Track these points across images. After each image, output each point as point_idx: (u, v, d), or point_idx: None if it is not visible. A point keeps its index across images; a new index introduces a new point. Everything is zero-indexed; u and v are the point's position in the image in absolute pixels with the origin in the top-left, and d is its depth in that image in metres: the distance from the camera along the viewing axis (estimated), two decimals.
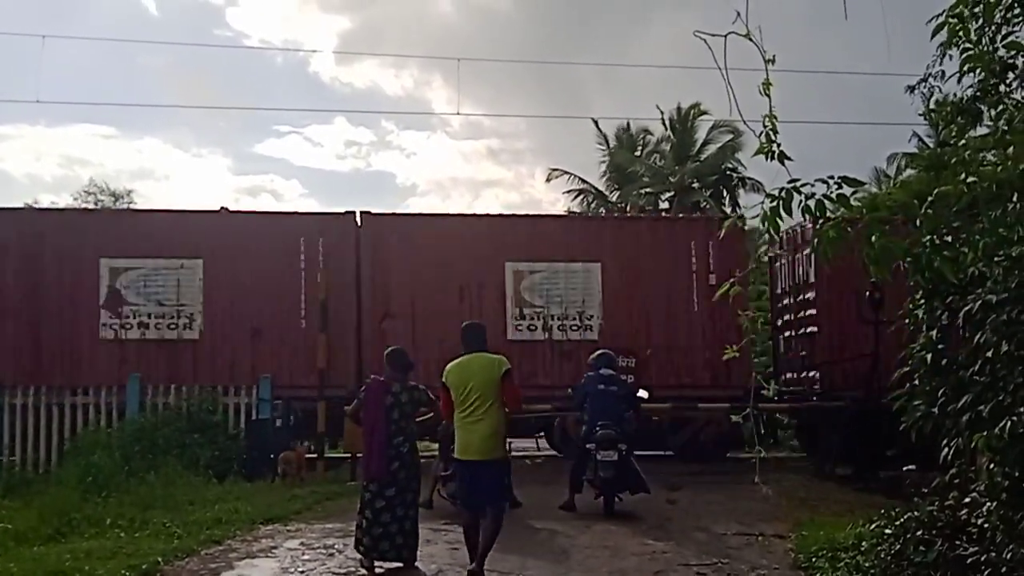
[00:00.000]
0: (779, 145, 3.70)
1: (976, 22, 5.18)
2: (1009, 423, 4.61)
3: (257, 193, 63.19)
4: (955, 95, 5.96)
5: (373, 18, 68.80)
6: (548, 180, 32.45)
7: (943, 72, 5.69)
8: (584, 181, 31.49)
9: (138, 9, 65.71)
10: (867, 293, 13.25)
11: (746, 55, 3.63)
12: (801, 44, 51.34)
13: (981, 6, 5.07)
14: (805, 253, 14.60)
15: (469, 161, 64.77)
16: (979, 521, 5.40)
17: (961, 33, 5.18)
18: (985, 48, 5.21)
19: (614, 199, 31.23)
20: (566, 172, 31.60)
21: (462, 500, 7.06)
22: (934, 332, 5.74)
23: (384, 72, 65.12)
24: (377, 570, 7.06)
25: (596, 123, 31.38)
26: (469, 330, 7.07)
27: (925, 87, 5.95)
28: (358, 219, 14.88)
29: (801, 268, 15.15)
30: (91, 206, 29.82)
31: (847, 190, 3.67)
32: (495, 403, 6.66)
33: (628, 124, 31.61)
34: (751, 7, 3.48)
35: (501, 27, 65.36)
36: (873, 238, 3.75)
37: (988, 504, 5.27)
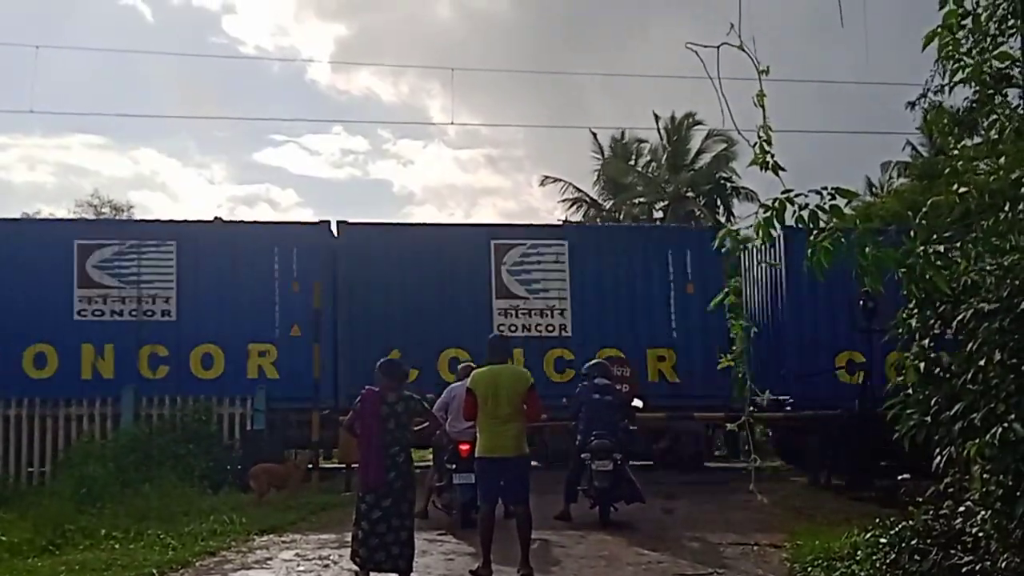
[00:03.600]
0: (773, 156, 3.73)
1: (970, 38, 5.21)
2: (1001, 430, 4.63)
3: (254, 202, 63.15)
4: (952, 106, 6.01)
5: (370, 25, 68.75)
6: (542, 184, 32.54)
7: (943, 87, 5.74)
8: (578, 189, 31.53)
9: (133, 17, 65.68)
10: (860, 302, 13.25)
11: (742, 65, 3.67)
12: (796, 53, 51.51)
13: (971, 19, 5.10)
14: None
15: (466, 169, 64.78)
16: (973, 530, 5.41)
17: (952, 45, 5.22)
18: (976, 60, 5.25)
19: (608, 208, 31.27)
20: (558, 180, 31.65)
21: (482, 494, 7.39)
22: (927, 341, 5.76)
23: (381, 80, 65.12)
24: None
25: (595, 135, 31.45)
26: (496, 342, 7.69)
27: (925, 102, 5.99)
28: None
29: None
30: (90, 217, 29.96)
31: (840, 200, 3.70)
32: (519, 411, 7.25)
33: (623, 134, 31.66)
34: (747, 18, 3.52)
35: (499, 34, 65.35)
36: (866, 248, 3.78)
37: (982, 513, 5.29)
